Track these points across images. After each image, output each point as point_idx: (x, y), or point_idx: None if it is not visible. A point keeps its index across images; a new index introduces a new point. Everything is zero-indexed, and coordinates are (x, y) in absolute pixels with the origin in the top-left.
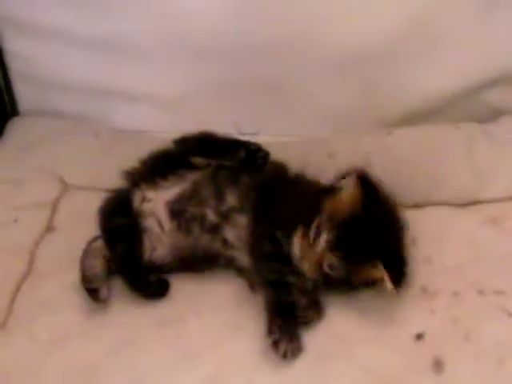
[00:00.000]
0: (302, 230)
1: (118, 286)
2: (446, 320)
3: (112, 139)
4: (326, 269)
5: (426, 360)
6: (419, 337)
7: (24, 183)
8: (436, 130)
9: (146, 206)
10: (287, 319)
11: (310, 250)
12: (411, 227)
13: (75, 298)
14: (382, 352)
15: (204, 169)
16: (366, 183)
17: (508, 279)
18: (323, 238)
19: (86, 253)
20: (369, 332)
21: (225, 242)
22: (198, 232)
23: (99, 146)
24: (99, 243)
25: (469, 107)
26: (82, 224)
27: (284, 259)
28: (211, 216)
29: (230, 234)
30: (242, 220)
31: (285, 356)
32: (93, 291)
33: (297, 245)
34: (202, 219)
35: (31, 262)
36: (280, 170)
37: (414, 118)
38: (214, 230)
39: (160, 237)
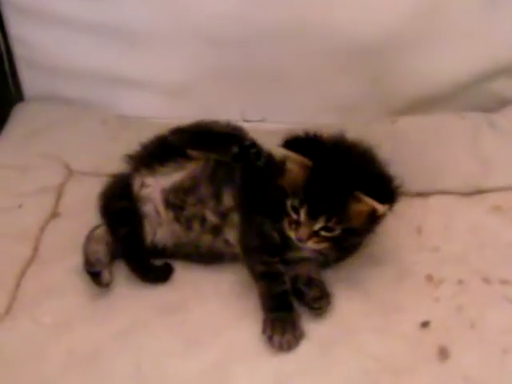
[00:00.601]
0: (286, 218)
1: (123, 271)
2: (451, 308)
3: (117, 126)
4: (325, 234)
5: (431, 348)
6: (424, 325)
7: (29, 169)
8: (441, 120)
9: (145, 192)
10: (280, 312)
11: (302, 229)
12: (416, 216)
13: (79, 282)
14: (387, 340)
15: (201, 161)
16: (295, 142)
17: None
18: (302, 212)
19: (89, 239)
20: (374, 320)
21: (226, 242)
22: (198, 230)
23: (104, 132)
24: (102, 230)
25: (474, 97)
26: (86, 210)
27: (272, 250)
28: (211, 217)
29: (231, 234)
30: (238, 218)
31: (281, 348)
32: (95, 275)
33: (291, 233)
34: (203, 219)
35: (36, 247)
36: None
37: (420, 107)
38: (215, 230)
39: (159, 222)
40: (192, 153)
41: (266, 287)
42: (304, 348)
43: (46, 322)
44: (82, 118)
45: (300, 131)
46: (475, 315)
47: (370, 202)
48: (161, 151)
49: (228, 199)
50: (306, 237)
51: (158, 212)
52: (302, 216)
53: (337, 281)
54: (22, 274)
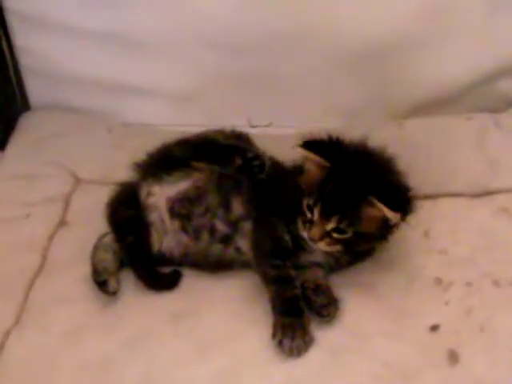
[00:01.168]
0: (300, 217)
1: (132, 279)
2: (460, 311)
3: (124, 134)
4: (336, 236)
5: (441, 352)
6: (434, 328)
7: (36, 178)
8: (448, 121)
9: (151, 200)
10: (290, 317)
11: (314, 228)
12: (424, 219)
13: (88, 291)
14: (397, 344)
15: (207, 171)
16: (316, 143)
17: None
18: (315, 211)
19: (97, 248)
20: (383, 325)
21: (238, 250)
22: (208, 240)
23: (110, 140)
24: (109, 238)
25: (480, 97)
26: (94, 218)
27: (283, 254)
28: (221, 227)
29: (243, 242)
30: (250, 226)
31: (291, 353)
32: (102, 283)
33: (304, 233)
34: (212, 229)
35: (44, 256)
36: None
37: (426, 108)
38: (226, 240)
39: (165, 231)
40: (196, 164)
41: (277, 291)
42: (314, 354)
43: (56, 331)
44: (88, 127)
45: (321, 133)
46: (485, 318)
47: (382, 208)
48: (166, 161)
49: (237, 207)
50: (318, 236)
51: (163, 221)
52: (316, 215)
53: (346, 285)
54: (31, 283)
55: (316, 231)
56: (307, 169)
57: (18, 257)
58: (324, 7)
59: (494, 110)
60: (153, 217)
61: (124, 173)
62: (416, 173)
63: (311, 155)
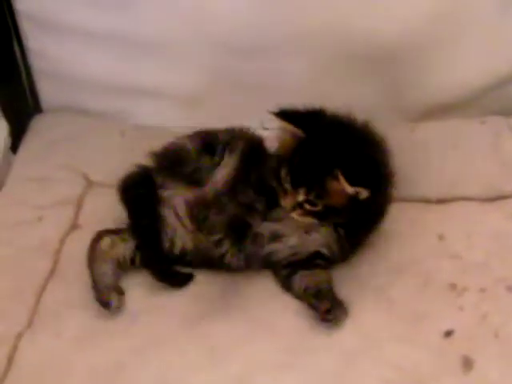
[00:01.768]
0: (279, 186)
1: (144, 283)
2: (474, 317)
3: (136, 136)
4: (309, 208)
5: (455, 358)
6: (448, 334)
7: (48, 181)
8: (461, 125)
9: (165, 194)
10: None
11: (287, 200)
12: (438, 223)
13: None
14: (411, 350)
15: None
16: (292, 113)
17: None
18: (287, 182)
19: (93, 255)
20: (397, 329)
21: (259, 236)
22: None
23: (122, 143)
24: (106, 243)
25: (494, 101)
26: (106, 221)
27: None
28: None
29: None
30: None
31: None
32: (104, 303)
33: (281, 201)
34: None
35: (56, 260)
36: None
37: (439, 111)
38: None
39: (178, 229)
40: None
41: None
42: (327, 358)
43: (68, 335)
44: (100, 129)
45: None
46: (499, 324)
47: (343, 183)
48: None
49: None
50: (289, 206)
51: (178, 218)
52: (288, 185)
53: (358, 289)
54: (43, 287)
55: (288, 201)
56: (283, 139)
57: (30, 260)
58: (336, 9)
59: (508, 113)
60: (166, 212)
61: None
62: (429, 176)
63: (285, 124)
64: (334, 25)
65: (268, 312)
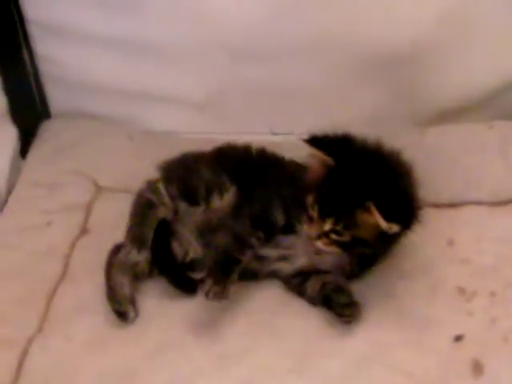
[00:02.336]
0: (305, 213)
1: (156, 290)
2: (484, 321)
3: (145, 141)
4: (335, 237)
5: (465, 363)
6: (458, 339)
7: (57, 186)
8: (470, 129)
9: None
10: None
11: (312, 228)
12: (447, 227)
13: None
14: (420, 355)
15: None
16: (322, 140)
17: None
18: (314, 210)
19: (111, 266)
20: (406, 334)
21: (261, 258)
22: None
23: (132, 148)
24: (123, 253)
25: (502, 105)
26: (116, 226)
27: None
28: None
29: (265, 251)
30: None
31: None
32: (120, 313)
33: (306, 229)
34: None
35: (66, 265)
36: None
37: (447, 116)
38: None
39: (187, 243)
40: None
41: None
42: (336, 364)
43: (78, 340)
44: (109, 134)
45: (331, 131)
46: (509, 328)
47: (376, 216)
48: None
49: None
50: (315, 235)
51: (187, 234)
52: (315, 214)
53: (368, 294)
54: (53, 292)
55: (313, 230)
56: (311, 165)
57: (40, 265)
58: (345, 14)
59: None
60: (176, 226)
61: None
62: (439, 181)
63: (315, 151)
64: (344, 30)
65: (277, 317)
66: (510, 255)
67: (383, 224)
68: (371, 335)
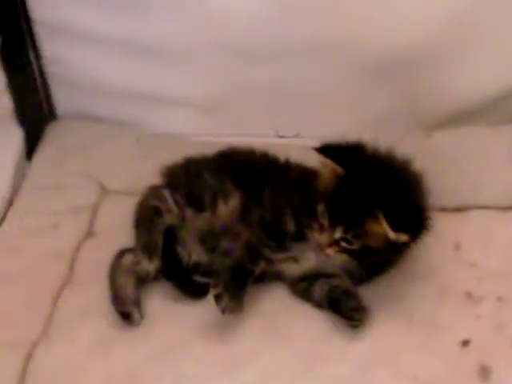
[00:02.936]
0: (315, 221)
1: (161, 292)
2: (491, 326)
3: (152, 143)
4: (345, 246)
5: (472, 367)
6: (465, 343)
7: (63, 188)
8: (476, 133)
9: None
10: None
11: (323, 236)
12: (455, 232)
13: None
14: (427, 359)
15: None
16: (333, 149)
17: None
18: (325, 219)
19: (115, 269)
20: (414, 339)
21: (270, 261)
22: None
23: (138, 150)
24: (128, 258)
25: (509, 109)
26: (122, 229)
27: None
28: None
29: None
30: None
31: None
32: (126, 315)
33: (317, 237)
34: None
35: (72, 267)
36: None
37: (454, 120)
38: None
39: (191, 248)
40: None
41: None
42: (343, 367)
43: (83, 343)
44: (116, 136)
45: (342, 139)
46: None
47: (385, 226)
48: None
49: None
50: (325, 243)
51: (190, 241)
52: (325, 222)
53: (375, 298)
54: (58, 294)
55: (324, 238)
56: (322, 174)
57: (45, 267)
58: (351, 17)
59: None
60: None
61: (152, 183)
62: (446, 185)
63: (326, 160)
64: (350, 32)
65: (284, 320)
66: None
67: (391, 234)
68: (379, 339)
